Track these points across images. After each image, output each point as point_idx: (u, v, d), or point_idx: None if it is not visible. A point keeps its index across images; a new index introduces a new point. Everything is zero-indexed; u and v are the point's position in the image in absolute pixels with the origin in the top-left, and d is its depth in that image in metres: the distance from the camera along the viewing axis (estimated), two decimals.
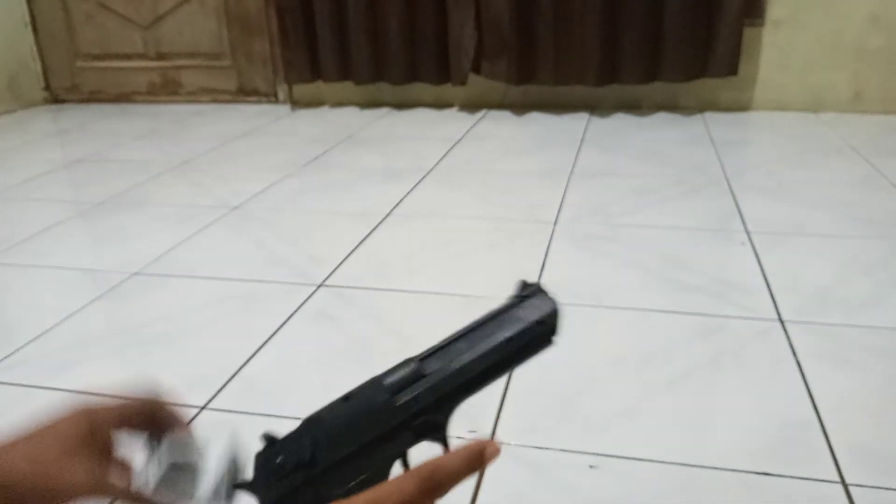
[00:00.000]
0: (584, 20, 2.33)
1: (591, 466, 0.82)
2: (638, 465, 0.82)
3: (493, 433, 0.88)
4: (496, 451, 0.36)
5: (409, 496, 0.32)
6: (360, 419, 0.38)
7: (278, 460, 0.38)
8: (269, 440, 0.39)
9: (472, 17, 2.42)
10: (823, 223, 1.49)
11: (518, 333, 0.40)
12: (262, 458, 0.38)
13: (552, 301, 0.42)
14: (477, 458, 0.35)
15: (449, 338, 0.41)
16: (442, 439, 0.40)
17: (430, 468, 0.33)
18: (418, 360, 0.40)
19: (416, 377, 0.39)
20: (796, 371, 0.98)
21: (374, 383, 0.39)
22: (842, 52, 2.35)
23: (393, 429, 0.38)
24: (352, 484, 0.37)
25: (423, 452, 0.39)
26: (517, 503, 0.78)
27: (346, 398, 0.39)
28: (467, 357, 0.40)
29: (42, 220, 1.67)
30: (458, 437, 0.90)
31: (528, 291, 0.43)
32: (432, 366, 0.39)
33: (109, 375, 1.04)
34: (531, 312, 0.41)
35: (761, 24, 2.37)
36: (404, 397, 0.38)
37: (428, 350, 0.40)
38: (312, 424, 0.38)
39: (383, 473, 0.38)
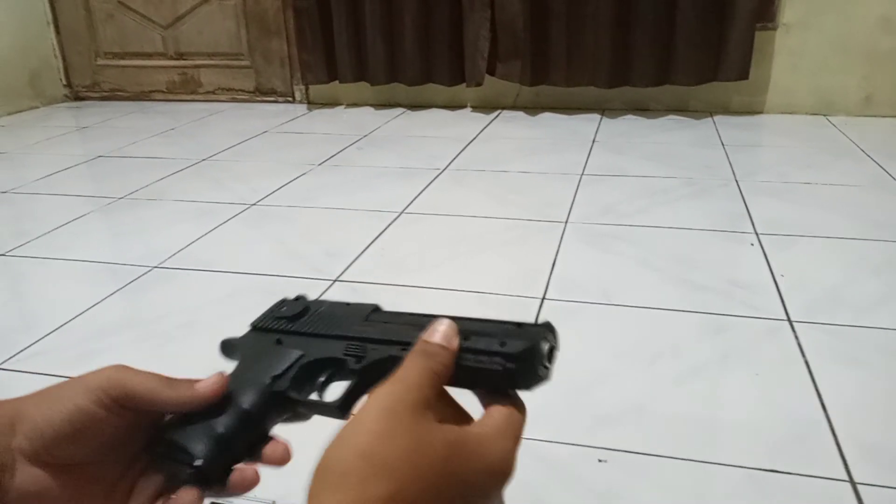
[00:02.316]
0: (597, 23, 2.35)
1: (600, 460, 0.83)
2: (647, 460, 0.83)
3: None
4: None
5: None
6: (342, 317, 0.45)
7: (282, 307, 0.47)
8: (298, 297, 0.48)
9: (487, 20, 2.44)
10: (832, 225, 1.50)
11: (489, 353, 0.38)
12: (275, 305, 0.48)
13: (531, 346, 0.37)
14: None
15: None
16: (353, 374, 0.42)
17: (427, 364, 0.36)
18: (405, 317, 0.43)
19: (391, 319, 0.44)
20: (804, 370, 0.99)
21: (369, 306, 0.45)
22: (853, 55, 2.35)
23: (352, 338, 0.43)
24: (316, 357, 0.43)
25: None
26: (526, 496, 0.79)
27: (347, 304, 0.46)
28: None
29: (63, 215, 1.70)
30: None
31: (538, 328, 0.39)
32: (399, 326, 0.43)
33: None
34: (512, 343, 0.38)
35: (774, 28, 2.37)
36: (373, 325, 0.43)
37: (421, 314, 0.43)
38: (315, 302, 0.47)
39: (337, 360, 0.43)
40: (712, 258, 1.37)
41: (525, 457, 0.83)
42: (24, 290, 1.34)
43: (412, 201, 1.72)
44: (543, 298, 1.22)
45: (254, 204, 1.74)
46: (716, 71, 2.35)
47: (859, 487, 0.78)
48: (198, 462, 0.38)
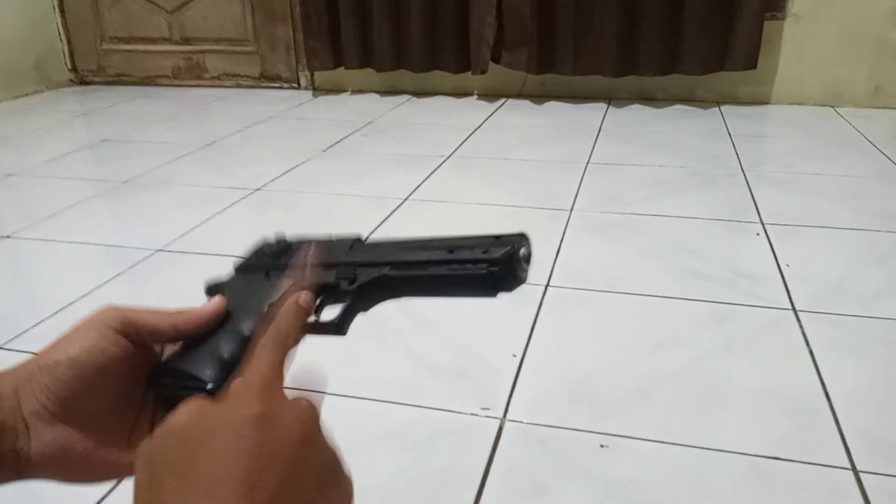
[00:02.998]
0: (604, 11, 2.33)
1: (601, 446, 0.84)
2: (649, 447, 0.83)
3: (506, 411, 0.90)
4: (307, 298, 0.40)
5: (275, 364, 0.35)
6: (327, 249, 0.46)
7: (264, 248, 0.48)
8: (278, 238, 0.49)
9: (493, 7, 2.43)
10: (838, 215, 1.50)
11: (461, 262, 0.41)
12: (257, 246, 0.49)
13: (511, 250, 0.40)
14: (298, 310, 0.39)
15: (410, 240, 0.45)
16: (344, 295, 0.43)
17: (274, 335, 0.37)
18: (387, 242, 0.46)
19: (375, 246, 0.45)
20: (808, 359, 0.99)
21: (351, 238, 0.47)
22: (862, 46, 2.33)
23: (341, 263, 0.45)
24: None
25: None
26: (528, 480, 0.79)
27: (330, 239, 0.48)
28: (401, 255, 0.44)
29: (67, 198, 1.70)
30: (472, 414, 0.91)
31: (510, 239, 0.42)
32: (384, 249, 0.45)
33: None
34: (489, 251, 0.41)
35: (782, 18, 2.36)
36: (358, 252, 0.45)
37: (396, 239, 0.46)
38: (297, 240, 0.48)
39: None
40: (717, 248, 1.36)
41: (526, 442, 0.83)
42: (28, 273, 1.34)
43: (416, 188, 1.72)
44: (547, 286, 1.21)
45: (258, 189, 1.74)
46: (723, 60, 2.34)
47: (862, 475, 0.78)
48: (210, 385, 0.39)
